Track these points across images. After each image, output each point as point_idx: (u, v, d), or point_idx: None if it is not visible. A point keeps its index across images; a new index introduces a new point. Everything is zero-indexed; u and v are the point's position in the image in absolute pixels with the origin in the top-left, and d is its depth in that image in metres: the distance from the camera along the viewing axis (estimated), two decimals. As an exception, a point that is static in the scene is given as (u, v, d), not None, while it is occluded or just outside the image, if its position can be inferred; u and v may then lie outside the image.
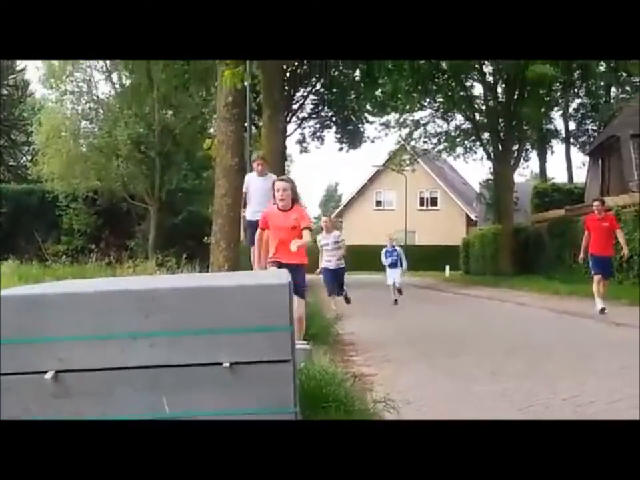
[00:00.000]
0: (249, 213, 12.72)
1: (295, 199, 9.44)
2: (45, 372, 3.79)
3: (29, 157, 52.72)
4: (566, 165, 51.04)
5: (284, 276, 4.36)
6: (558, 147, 63.19)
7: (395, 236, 24.25)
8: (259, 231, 9.81)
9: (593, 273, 16.29)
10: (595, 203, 16.66)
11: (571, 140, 49.54)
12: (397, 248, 21.74)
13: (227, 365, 3.79)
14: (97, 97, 42.08)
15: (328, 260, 16.56)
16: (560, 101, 41.95)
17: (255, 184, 12.70)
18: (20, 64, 56.22)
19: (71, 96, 41.68)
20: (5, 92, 55.41)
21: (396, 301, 20.81)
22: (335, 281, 16.74)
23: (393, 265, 21.26)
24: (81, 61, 40.86)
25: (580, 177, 48.55)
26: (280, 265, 9.10)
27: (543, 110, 38.07)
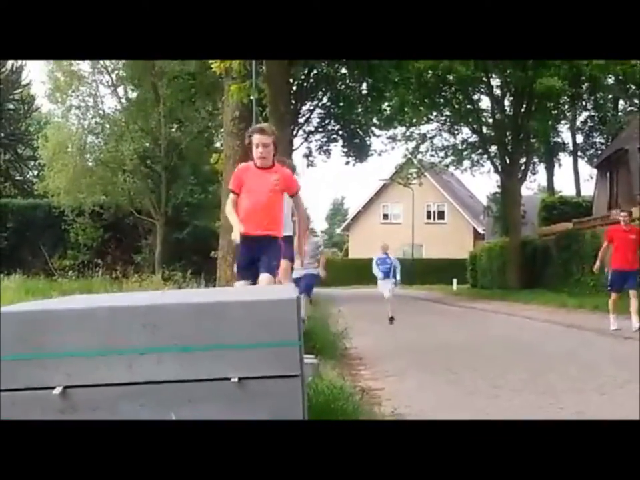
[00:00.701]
0: None
1: (275, 155, 7.93)
2: (53, 388, 3.76)
3: (35, 172, 52.91)
4: (574, 177, 51.10)
5: (292, 291, 4.32)
6: (565, 160, 63.19)
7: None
8: (231, 197, 7.98)
9: (610, 288, 15.48)
10: (623, 214, 15.80)
11: (579, 153, 49.57)
12: (391, 257, 19.52)
13: (235, 380, 3.76)
14: (103, 111, 42.22)
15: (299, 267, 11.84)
16: (568, 113, 41.95)
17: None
18: (25, 78, 56.50)
19: (76, 110, 41.83)
20: (10, 106, 55.62)
21: (392, 318, 18.83)
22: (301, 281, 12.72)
23: (386, 275, 19.15)
24: (87, 76, 41.02)
25: (588, 189, 48.62)
26: (247, 240, 7.68)
27: (550, 123, 38.07)
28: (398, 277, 19.34)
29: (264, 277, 7.69)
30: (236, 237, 7.62)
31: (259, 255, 7.77)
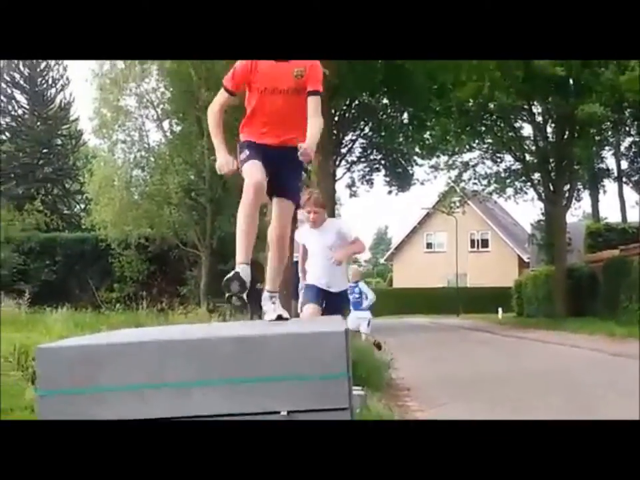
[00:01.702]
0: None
1: None
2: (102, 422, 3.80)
3: (82, 205, 53.58)
4: (619, 204, 50.65)
5: (340, 323, 4.35)
6: (610, 186, 62.69)
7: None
8: (218, 99, 5.62)
9: None
10: None
11: (624, 179, 49.10)
12: (360, 284, 15.75)
13: (285, 413, 3.78)
14: (148, 145, 42.63)
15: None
16: (611, 139, 41.62)
17: (310, 239, 8.51)
18: (73, 114, 57.39)
19: (122, 145, 42.30)
20: (59, 142, 56.53)
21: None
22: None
23: (356, 306, 15.35)
24: (133, 110, 41.46)
25: (634, 216, 48.13)
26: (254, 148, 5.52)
27: (593, 149, 37.80)
28: (368, 310, 15.47)
29: (280, 203, 5.70)
30: (221, 167, 5.59)
31: (274, 171, 5.55)
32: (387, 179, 41.24)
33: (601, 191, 50.26)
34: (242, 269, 5.37)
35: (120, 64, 40.24)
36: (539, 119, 38.81)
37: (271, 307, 5.58)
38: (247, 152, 5.50)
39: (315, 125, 5.37)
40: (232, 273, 5.39)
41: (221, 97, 5.56)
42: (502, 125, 39.12)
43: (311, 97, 5.39)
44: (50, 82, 57.78)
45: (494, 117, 38.46)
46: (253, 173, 5.36)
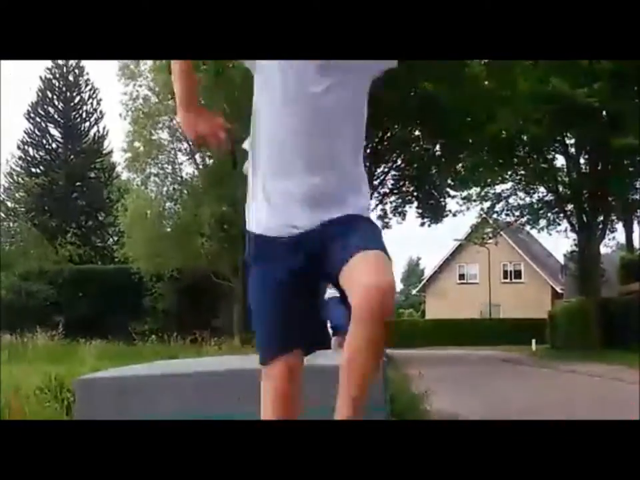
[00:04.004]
0: None
1: None
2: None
3: (115, 238, 53.94)
4: (653, 235, 50.23)
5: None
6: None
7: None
8: None
9: None
10: None
11: (658, 209, 48.73)
12: None
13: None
14: (181, 177, 42.75)
15: None
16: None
17: None
18: (107, 147, 57.95)
19: (155, 178, 42.45)
20: (92, 175, 57.07)
21: None
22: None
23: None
24: (166, 144, 41.64)
25: (668, 246, 47.65)
26: None
27: (627, 180, 37.56)
28: None
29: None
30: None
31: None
32: (420, 211, 41.19)
33: (635, 222, 49.94)
34: None
35: (153, 98, 40.55)
36: (572, 150, 38.65)
37: None
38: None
39: None
40: None
41: None
42: (535, 156, 38.99)
43: None
44: (84, 116, 58.46)
45: (527, 148, 38.34)
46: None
